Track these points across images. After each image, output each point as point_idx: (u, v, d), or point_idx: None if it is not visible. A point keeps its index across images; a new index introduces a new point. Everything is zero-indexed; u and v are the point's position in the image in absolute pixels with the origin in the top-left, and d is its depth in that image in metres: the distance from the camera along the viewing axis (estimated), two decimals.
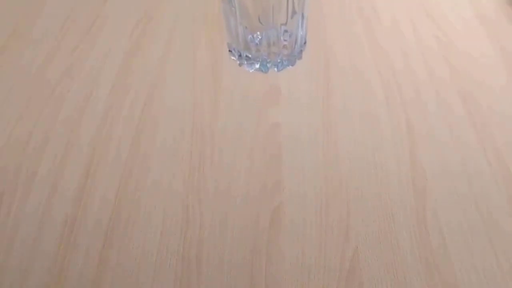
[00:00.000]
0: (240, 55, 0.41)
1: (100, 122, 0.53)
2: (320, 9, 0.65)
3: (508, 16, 0.65)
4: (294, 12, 0.39)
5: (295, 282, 0.40)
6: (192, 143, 0.50)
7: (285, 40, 0.40)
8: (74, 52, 0.60)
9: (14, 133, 0.51)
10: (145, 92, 0.56)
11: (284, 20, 0.39)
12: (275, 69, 0.42)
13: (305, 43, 0.46)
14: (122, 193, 0.46)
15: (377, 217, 0.45)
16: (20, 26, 0.63)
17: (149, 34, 0.62)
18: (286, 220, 0.44)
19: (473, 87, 0.56)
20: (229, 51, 0.44)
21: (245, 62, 0.41)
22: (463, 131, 0.52)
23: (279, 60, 0.41)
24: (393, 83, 0.56)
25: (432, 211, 0.45)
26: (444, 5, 0.66)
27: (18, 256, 0.42)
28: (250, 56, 0.40)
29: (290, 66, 0.43)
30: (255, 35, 0.39)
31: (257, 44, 0.39)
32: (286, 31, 0.40)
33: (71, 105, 0.54)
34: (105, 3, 0.68)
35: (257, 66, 0.41)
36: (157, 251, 0.42)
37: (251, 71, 0.42)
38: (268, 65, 0.41)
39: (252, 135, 0.51)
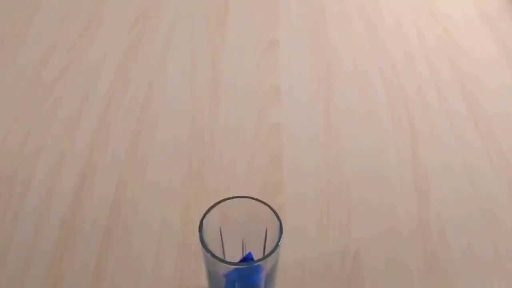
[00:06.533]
0: None
1: (97, 123, 0.52)
2: (322, 7, 0.64)
3: (511, 16, 0.64)
4: None
5: (296, 282, 0.40)
6: (191, 143, 0.50)
7: None
8: (71, 52, 0.59)
9: (10, 134, 0.50)
10: (143, 92, 0.55)
11: None
12: None
13: None
14: (120, 195, 0.45)
15: (379, 218, 0.44)
16: (15, 25, 0.62)
17: (147, 32, 0.62)
18: (286, 222, 0.43)
19: (475, 86, 0.56)
20: None
21: None
22: (465, 130, 0.52)
23: None
24: (395, 83, 0.56)
25: (435, 212, 0.45)
26: (447, 4, 0.66)
27: (16, 258, 0.41)
28: None
29: None
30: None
31: None
32: None
33: (67, 106, 0.54)
34: (101, 1, 0.67)
35: None
36: (156, 255, 0.41)
37: None
38: None
39: (252, 135, 0.50)
